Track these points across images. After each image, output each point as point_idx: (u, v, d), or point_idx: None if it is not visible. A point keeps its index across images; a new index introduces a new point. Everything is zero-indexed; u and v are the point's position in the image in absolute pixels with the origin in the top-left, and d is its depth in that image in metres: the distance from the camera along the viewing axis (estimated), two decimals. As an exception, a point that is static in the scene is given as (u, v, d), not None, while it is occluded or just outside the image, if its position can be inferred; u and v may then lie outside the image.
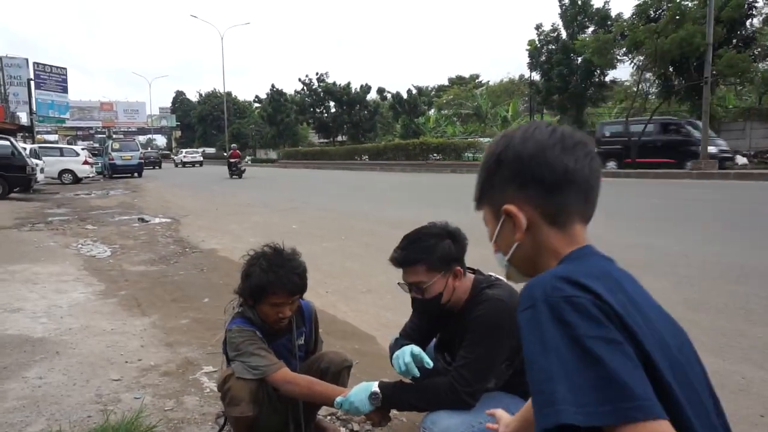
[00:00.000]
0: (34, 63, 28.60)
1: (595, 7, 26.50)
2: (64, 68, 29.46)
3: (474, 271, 1.90)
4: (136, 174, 26.95)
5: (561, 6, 27.50)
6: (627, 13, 23.00)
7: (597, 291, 0.76)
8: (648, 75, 23.56)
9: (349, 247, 6.72)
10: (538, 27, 28.86)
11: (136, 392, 2.71)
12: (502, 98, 44.94)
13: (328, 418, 2.46)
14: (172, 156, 53.45)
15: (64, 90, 29.67)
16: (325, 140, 52.30)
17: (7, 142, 14.62)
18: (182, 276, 5.45)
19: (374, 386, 1.75)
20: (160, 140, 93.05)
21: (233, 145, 27.83)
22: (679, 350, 0.79)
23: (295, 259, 2.00)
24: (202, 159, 45.36)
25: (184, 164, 43.70)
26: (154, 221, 9.86)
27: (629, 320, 0.74)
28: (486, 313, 1.70)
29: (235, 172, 23.40)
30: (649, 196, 11.79)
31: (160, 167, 39.29)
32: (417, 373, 1.74)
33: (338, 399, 1.78)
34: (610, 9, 25.92)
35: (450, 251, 1.75)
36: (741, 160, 19.29)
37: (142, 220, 9.95)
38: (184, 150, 51.05)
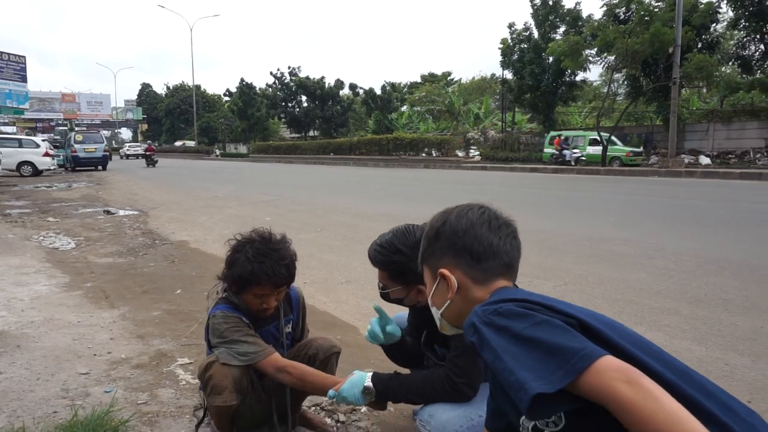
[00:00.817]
0: (-9, 50, 27.33)
1: (566, 7, 26.90)
2: (23, 56, 28.07)
3: None
4: (100, 167, 26.06)
5: (533, 6, 27.82)
6: (597, 15, 23.46)
7: (517, 297, 0.95)
8: (617, 76, 24.05)
9: (326, 239, 6.60)
10: (510, 26, 29.14)
11: (107, 386, 2.54)
12: (474, 95, 45.30)
13: (312, 408, 2.36)
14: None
15: (23, 79, 28.29)
16: (297, 135, 51.76)
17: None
18: (152, 268, 5.24)
19: (367, 379, 1.64)
20: (126, 133, 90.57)
21: (148, 141, 37.84)
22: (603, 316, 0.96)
23: (284, 248, 1.88)
24: (143, 152, 50.07)
25: (128, 156, 50.42)
26: (120, 213, 9.52)
27: (551, 304, 0.91)
28: None
29: (150, 162, 29.94)
30: (619, 192, 12.03)
31: (110, 159, 42.38)
32: (381, 336, 1.79)
33: (330, 392, 1.67)
34: (581, 10, 26.35)
35: (414, 273, 1.60)
36: (704, 160, 19.92)
37: (107, 212, 9.59)
38: (127, 144, 60.13)
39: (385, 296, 1.80)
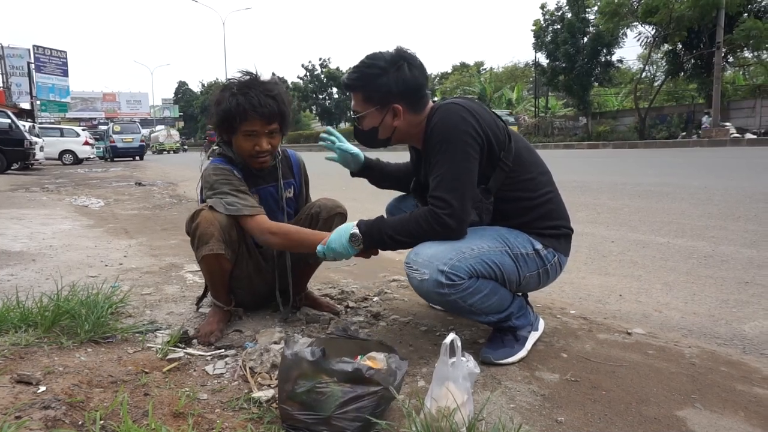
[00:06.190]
0: (34, 46, 27.83)
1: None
2: (65, 51, 29.08)
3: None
4: (137, 157, 26.72)
5: (565, -16, 27.00)
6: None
7: None
8: (656, 57, 22.93)
9: (351, 191, 6.48)
10: (543, 6, 28.39)
11: (114, 283, 2.47)
12: (506, 83, 44.42)
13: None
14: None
15: (65, 73, 29.29)
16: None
17: (5, 118, 14.36)
18: (175, 215, 5.23)
19: (353, 227, 1.52)
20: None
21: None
22: None
23: (272, 83, 1.75)
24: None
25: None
26: (151, 185, 9.64)
27: None
28: (440, 121, 1.48)
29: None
30: (661, 156, 11.48)
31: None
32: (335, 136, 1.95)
33: (319, 247, 1.54)
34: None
35: (389, 87, 1.53)
36: (750, 137, 18.88)
37: (139, 184, 9.74)
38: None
39: (360, 133, 1.66)
